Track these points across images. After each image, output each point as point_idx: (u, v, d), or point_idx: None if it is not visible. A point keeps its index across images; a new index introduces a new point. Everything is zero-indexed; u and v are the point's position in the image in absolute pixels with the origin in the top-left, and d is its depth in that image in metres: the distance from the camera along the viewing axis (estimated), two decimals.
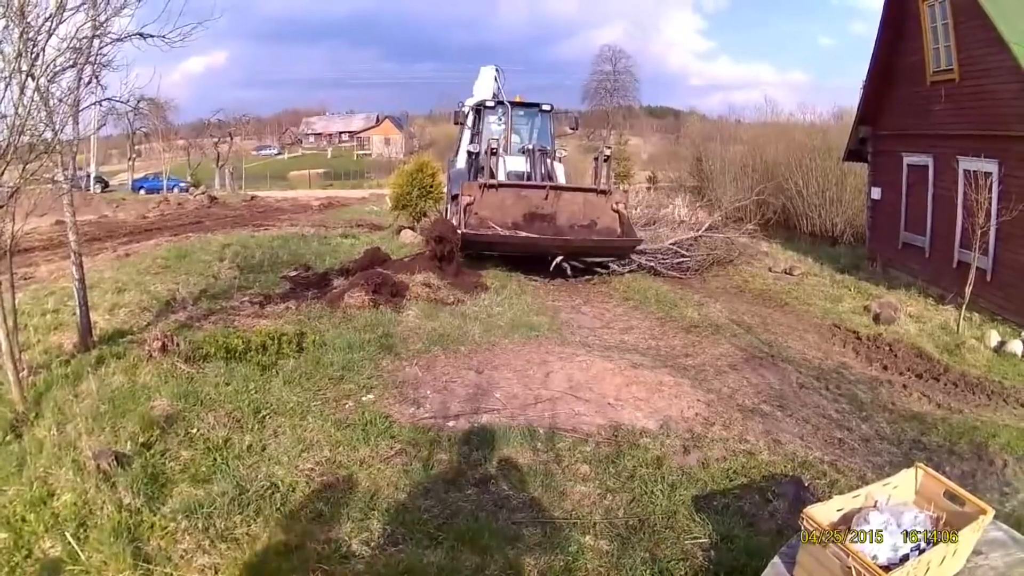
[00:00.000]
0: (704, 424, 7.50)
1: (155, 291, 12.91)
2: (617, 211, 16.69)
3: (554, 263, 16.09)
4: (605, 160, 17.46)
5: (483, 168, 17.21)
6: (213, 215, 34.22)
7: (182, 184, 55.77)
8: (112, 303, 11.91)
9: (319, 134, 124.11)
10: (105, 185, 56.14)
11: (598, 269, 16.80)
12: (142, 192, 52.51)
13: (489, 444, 6.63)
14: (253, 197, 47.43)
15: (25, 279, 15.28)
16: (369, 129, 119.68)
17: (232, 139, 65.61)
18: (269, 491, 5.65)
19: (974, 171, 14.48)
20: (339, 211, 37.22)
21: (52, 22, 7.75)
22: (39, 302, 12.11)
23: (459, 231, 15.60)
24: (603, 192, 17.01)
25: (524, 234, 16.05)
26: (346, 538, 5.20)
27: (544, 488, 5.99)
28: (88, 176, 52.56)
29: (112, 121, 45.37)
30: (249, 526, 5.19)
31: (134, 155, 59.89)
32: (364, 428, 6.87)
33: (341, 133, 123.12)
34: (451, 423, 7.25)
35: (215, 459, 6.12)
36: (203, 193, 44.79)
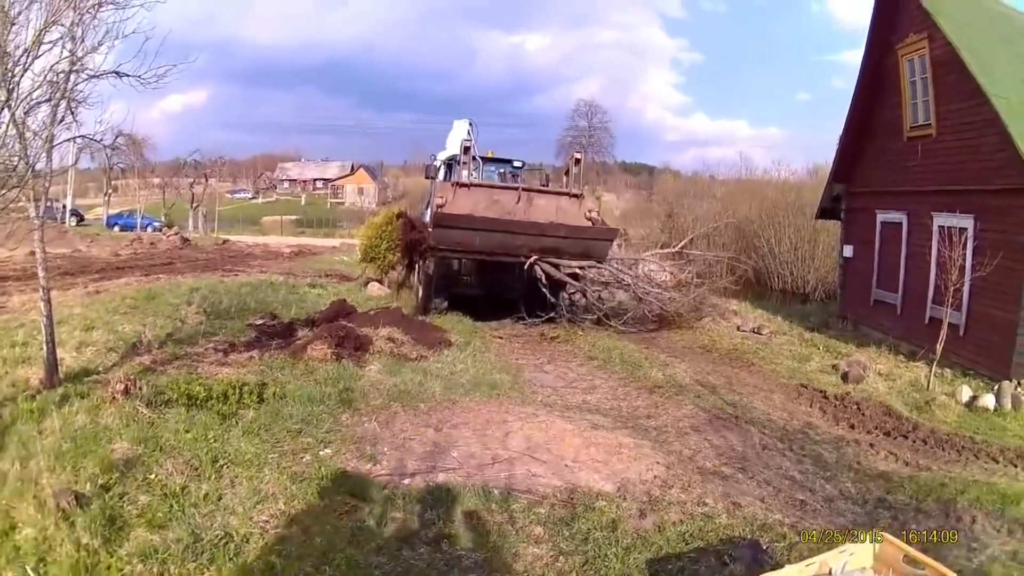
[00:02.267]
0: (662, 487, 7.57)
1: (122, 331, 12.89)
2: (591, 219, 16.91)
3: (528, 263, 16.21)
4: (576, 163, 17.71)
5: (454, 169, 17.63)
6: (184, 257, 34.06)
7: (156, 223, 55.53)
8: (80, 341, 11.89)
9: (293, 180, 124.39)
10: (80, 219, 55.81)
11: (572, 282, 16.85)
12: (116, 228, 52.27)
13: (444, 503, 6.68)
14: (225, 241, 47.32)
15: None
16: (343, 177, 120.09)
17: (207, 180, 65.52)
18: (223, 541, 5.68)
19: (948, 227, 14.69)
20: (309, 260, 37.14)
21: (29, 55, 7.89)
22: (8, 333, 12.07)
23: (435, 210, 15.88)
24: (576, 196, 17.21)
25: (499, 217, 16.12)
26: None
27: (497, 549, 6.03)
28: (64, 208, 52.24)
29: (88, 155, 45.33)
30: (203, 574, 5.22)
31: (110, 190, 59.61)
32: (319, 483, 6.91)
33: (315, 180, 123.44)
34: (407, 480, 7.30)
35: (171, 506, 6.14)
36: (176, 234, 44.54)
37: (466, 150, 17.16)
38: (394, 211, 23.94)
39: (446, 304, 18.25)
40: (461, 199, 16.39)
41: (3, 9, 7.59)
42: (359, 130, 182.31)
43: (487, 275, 18.47)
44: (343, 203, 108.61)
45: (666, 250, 19.65)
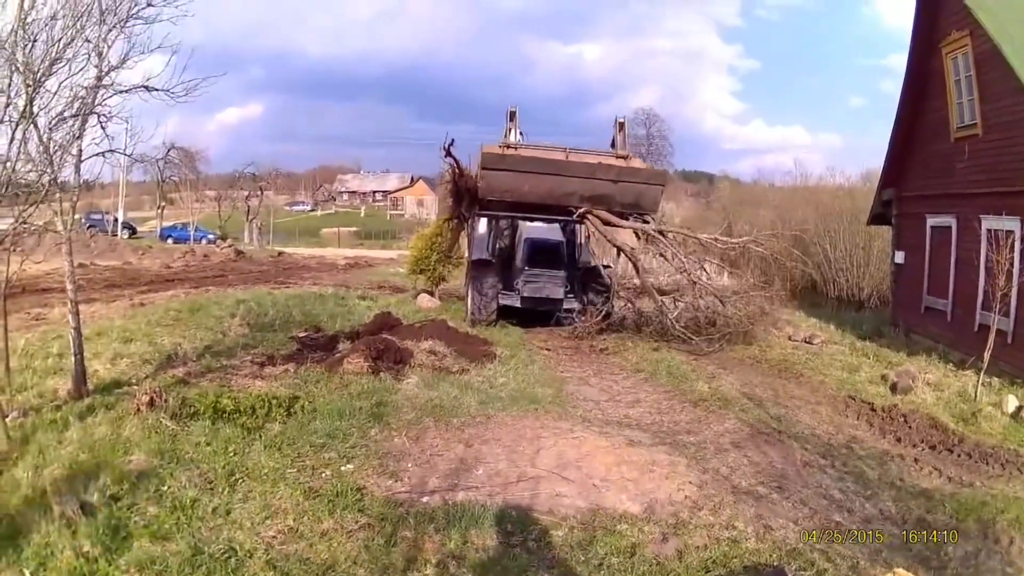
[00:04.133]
0: (691, 508, 7.41)
1: (161, 343, 13.24)
2: None
3: (578, 213, 16.68)
4: (620, 128, 18.28)
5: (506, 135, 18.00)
6: (237, 269, 34.82)
7: (210, 236, 56.91)
8: (115, 352, 12.26)
9: (353, 192, 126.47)
10: (133, 231, 57.40)
11: (625, 251, 17.19)
12: (170, 241, 53.73)
13: (458, 523, 6.63)
14: (280, 253, 48.23)
15: (37, 320, 15.80)
16: (403, 189, 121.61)
17: (263, 193, 66.87)
18: (225, 555, 5.76)
19: (996, 230, 14.37)
20: (364, 271, 37.62)
21: (42, 72, 8.15)
22: (45, 345, 12.52)
23: (482, 151, 16.55)
24: (622, 157, 17.61)
25: (548, 157, 16.69)
26: None
27: (505, 573, 5.96)
28: (115, 221, 53.83)
29: (141, 168, 46.72)
30: None
31: (163, 203, 61.23)
32: (332, 499, 6.95)
33: (375, 192, 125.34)
34: (425, 499, 7.29)
35: (179, 518, 6.27)
36: (229, 246, 45.60)
37: (512, 116, 17.74)
38: (443, 220, 24.16)
39: (496, 302, 18.44)
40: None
41: (23, 25, 7.85)
42: (418, 141, 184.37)
43: (537, 275, 18.62)
44: (403, 215, 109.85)
45: (728, 239, 19.14)
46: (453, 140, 16.95)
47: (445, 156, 17.52)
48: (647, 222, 17.88)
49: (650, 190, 17.30)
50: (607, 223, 17.14)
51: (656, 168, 17.82)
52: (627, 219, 17.43)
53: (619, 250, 17.51)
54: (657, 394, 12.64)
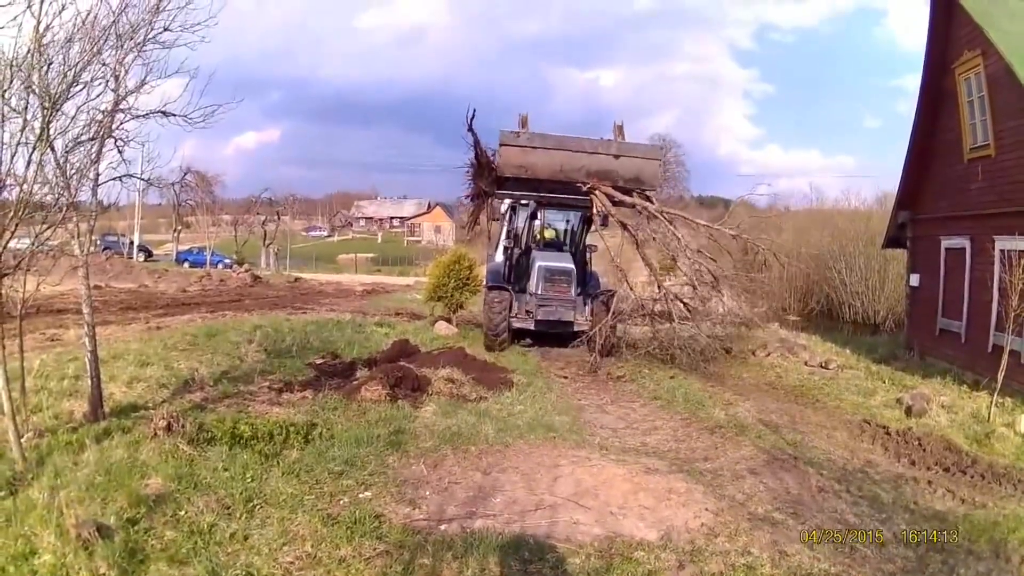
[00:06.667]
0: (708, 535, 7.43)
1: (177, 368, 13.33)
2: None
3: (587, 188, 18.13)
4: (619, 132, 19.62)
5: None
6: (254, 294, 35.07)
7: (227, 260, 57.36)
8: (132, 376, 12.33)
9: (370, 218, 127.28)
10: (149, 254, 57.99)
11: (629, 230, 18.24)
12: (186, 265, 54.31)
13: (475, 551, 6.64)
14: (297, 279, 48.53)
15: (52, 340, 15.93)
16: (420, 215, 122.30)
17: (280, 218, 67.35)
18: None
19: (1009, 251, 14.53)
20: (382, 298, 37.82)
21: (61, 96, 8.27)
22: (61, 366, 12.58)
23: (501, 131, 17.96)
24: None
25: (556, 134, 18.35)
26: None
27: None
28: (131, 243, 54.39)
29: (157, 191, 47.25)
30: None
31: (180, 227, 61.78)
32: (351, 526, 6.98)
33: (392, 218, 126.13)
34: (443, 526, 7.32)
35: (196, 543, 6.31)
36: (246, 271, 45.90)
37: (523, 122, 18.82)
38: (462, 251, 24.66)
39: (508, 312, 19.39)
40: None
41: (39, 47, 7.99)
42: (436, 167, 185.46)
43: (550, 300, 19.54)
44: (420, 241, 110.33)
45: (725, 229, 19.65)
46: (475, 111, 17.96)
47: (467, 130, 18.47)
48: (650, 200, 19.20)
49: (649, 164, 19.03)
50: (613, 200, 18.38)
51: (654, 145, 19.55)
52: (631, 195, 18.68)
53: (623, 226, 18.79)
54: (674, 421, 12.72)
